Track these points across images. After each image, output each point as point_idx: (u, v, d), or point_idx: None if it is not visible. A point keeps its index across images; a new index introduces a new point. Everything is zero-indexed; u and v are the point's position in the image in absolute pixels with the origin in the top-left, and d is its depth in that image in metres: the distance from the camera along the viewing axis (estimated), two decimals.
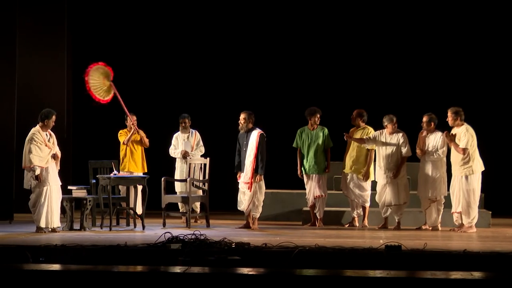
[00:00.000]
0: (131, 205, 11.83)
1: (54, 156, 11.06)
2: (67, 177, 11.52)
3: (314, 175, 12.16)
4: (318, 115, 12.20)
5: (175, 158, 12.76)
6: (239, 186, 11.76)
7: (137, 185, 11.82)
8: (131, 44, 16.06)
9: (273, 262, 8.35)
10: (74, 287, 7.43)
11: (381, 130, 11.96)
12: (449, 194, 11.66)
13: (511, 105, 15.40)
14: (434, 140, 11.69)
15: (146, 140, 12.38)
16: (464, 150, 11.38)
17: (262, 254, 8.59)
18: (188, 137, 12.71)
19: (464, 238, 10.74)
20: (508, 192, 15.20)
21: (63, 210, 11.45)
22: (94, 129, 15.66)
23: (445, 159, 11.73)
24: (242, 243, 8.92)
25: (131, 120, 12.28)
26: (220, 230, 11.24)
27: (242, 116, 11.79)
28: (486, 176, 11.66)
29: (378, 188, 11.95)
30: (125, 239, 9.36)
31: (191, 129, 12.76)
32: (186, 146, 12.67)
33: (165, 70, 16.16)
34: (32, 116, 12.71)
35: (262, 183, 11.71)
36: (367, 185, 12.14)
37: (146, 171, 12.35)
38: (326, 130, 12.18)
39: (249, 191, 11.61)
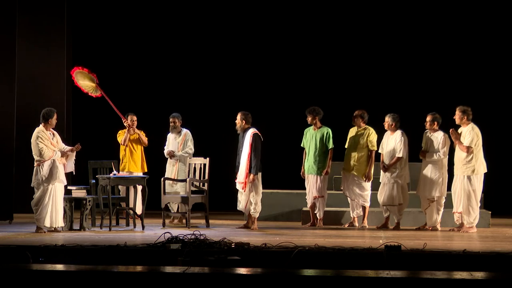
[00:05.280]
0: (131, 205, 11.83)
1: (71, 150, 11.25)
2: (66, 177, 11.50)
3: (312, 175, 12.15)
4: (311, 116, 12.11)
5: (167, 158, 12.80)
6: (237, 186, 11.77)
7: (137, 185, 11.82)
8: (131, 42, 16.06)
9: (272, 262, 8.35)
10: (74, 287, 7.42)
11: (386, 132, 11.97)
12: (450, 194, 11.66)
13: (509, 105, 15.40)
14: (436, 140, 11.69)
15: (145, 139, 12.38)
16: (468, 149, 11.38)
17: (262, 254, 8.58)
18: (176, 137, 12.68)
19: (464, 238, 10.73)
20: (508, 192, 15.21)
21: None
22: (94, 129, 15.66)
23: (446, 160, 11.73)
24: (242, 243, 8.92)
25: (129, 120, 12.30)
26: (220, 230, 11.24)
27: (237, 116, 11.80)
28: (486, 176, 11.64)
29: (380, 187, 11.97)
30: (125, 239, 9.37)
31: (182, 129, 12.71)
32: (173, 146, 12.65)
33: (166, 69, 16.16)
34: (32, 116, 12.74)
35: (258, 183, 11.69)
36: (368, 185, 12.13)
37: (146, 171, 12.35)
38: (328, 131, 12.12)
39: (243, 191, 11.62)
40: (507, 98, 15.41)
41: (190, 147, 12.60)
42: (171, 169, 12.59)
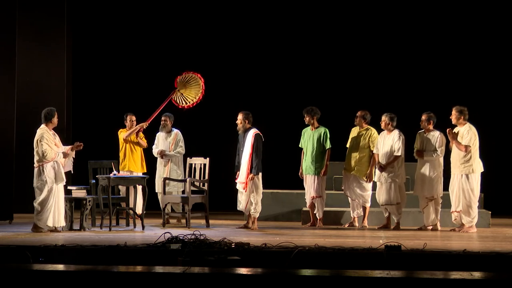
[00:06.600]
0: (131, 205, 11.83)
1: (71, 149, 11.25)
2: (66, 177, 11.50)
3: (310, 176, 12.14)
4: (309, 116, 12.10)
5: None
6: (237, 186, 11.76)
7: (137, 185, 11.82)
8: (131, 41, 16.05)
9: (272, 262, 8.35)
10: (73, 287, 7.43)
11: (382, 132, 11.97)
12: (448, 194, 11.66)
13: (509, 105, 15.40)
14: (432, 139, 11.69)
15: (143, 142, 12.38)
16: (466, 148, 11.38)
17: (262, 254, 8.59)
18: (167, 136, 12.66)
19: (464, 238, 10.74)
20: (508, 192, 15.21)
21: None
22: (94, 129, 15.65)
23: (442, 158, 11.73)
24: (242, 243, 8.92)
25: (128, 120, 12.32)
26: (220, 230, 11.24)
27: (238, 116, 11.80)
28: (486, 176, 11.67)
29: (377, 187, 11.97)
30: (125, 239, 9.37)
31: (172, 128, 12.69)
32: (164, 145, 12.63)
33: (166, 69, 16.14)
34: (32, 116, 12.74)
35: (259, 183, 11.69)
36: (369, 185, 12.13)
37: (145, 171, 12.35)
38: (326, 131, 12.11)
39: (245, 191, 11.62)
40: (506, 98, 15.40)
41: (182, 147, 12.59)
42: (163, 170, 12.58)
